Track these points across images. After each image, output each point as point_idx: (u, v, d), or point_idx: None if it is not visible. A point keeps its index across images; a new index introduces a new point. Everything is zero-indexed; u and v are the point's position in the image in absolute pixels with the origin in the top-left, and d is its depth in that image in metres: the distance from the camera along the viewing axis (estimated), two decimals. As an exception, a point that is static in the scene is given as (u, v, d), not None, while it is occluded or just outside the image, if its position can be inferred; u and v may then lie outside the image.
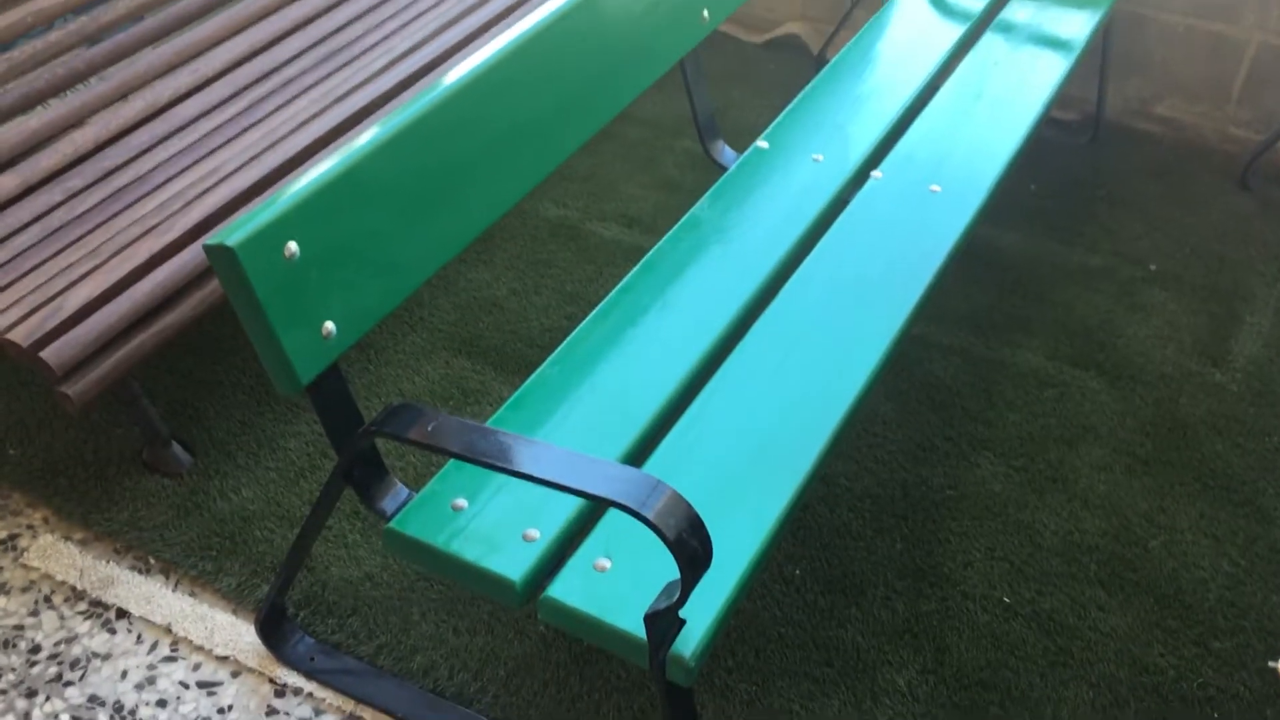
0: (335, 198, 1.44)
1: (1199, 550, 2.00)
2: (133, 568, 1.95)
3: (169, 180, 2.11)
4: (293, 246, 1.38)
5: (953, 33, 2.55)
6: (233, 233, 1.32)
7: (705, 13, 2.13)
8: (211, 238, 1.32)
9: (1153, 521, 2.05)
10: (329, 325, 1.43)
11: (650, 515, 1.21)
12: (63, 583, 1.93)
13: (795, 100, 2.32)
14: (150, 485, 2.08)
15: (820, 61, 3.28)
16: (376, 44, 2.50)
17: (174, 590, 1.92)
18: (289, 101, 2.32)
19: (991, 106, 2.33)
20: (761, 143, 2.20)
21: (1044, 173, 2.90)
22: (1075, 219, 2.75)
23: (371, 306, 1.51)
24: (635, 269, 1.91)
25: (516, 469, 1.28)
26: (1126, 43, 2.97)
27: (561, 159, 1.87)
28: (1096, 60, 2.99)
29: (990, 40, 2.56)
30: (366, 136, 1.51)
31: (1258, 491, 2.11)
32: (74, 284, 1.86)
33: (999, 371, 2.34)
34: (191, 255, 1.94)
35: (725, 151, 2.28)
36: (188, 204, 2.02)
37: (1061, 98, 3.09)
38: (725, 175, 2.13)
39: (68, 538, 2.00)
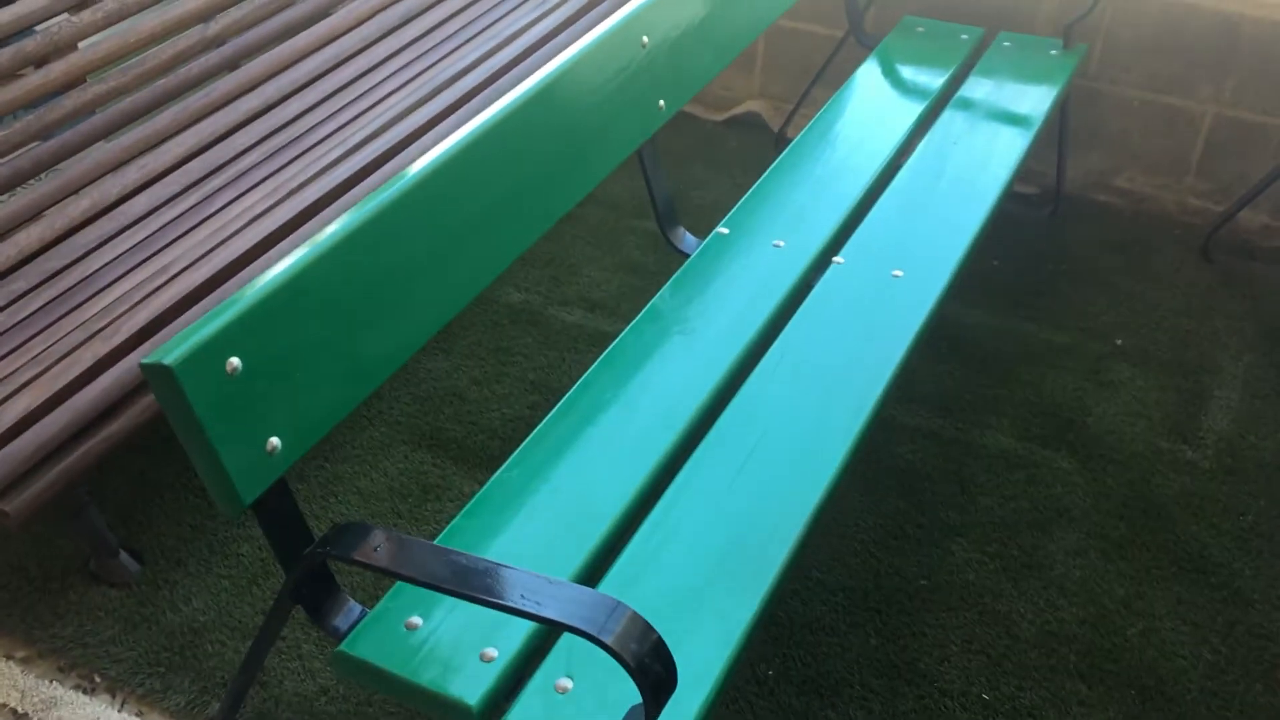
0: (280, 308, 1.39)
1: (1178, 638, 1.96)
2: (77, 687, 1.87)
3: (116, 280, 2.05)
4: (235, 361, 1.32)
5: (912, 111, 2.55)
6: (171, 350, 1.27)
7: (661, 102, 2.11)
8: (149, 356, 1.27)
9: (1130, 608, 2.01)
10: (274, 441, 1.37)
11: (609, 641, 1.15)
12: (3, 705, 1.84)
13: (755, 185, 2.30)
14: (97, 597, 2.00)
15: (780, 139, 3.28)
16: (330, 134, 2.47)
17: (120, 710, 1.83)
18: (241, 195, 2.28)
19: (952, 186, 2.32)
20: (722, 229, 2.18)
21: (1006, 247, 2.89)
22: (1040, 294, 2.74)
23: (320, 418, 1.46)
24: (596, 363, 1.87)
25: (468, 593, 1.22)
26: (1084, 116, 2.98)
27: (517, 253, 1.84)
28: (1055, 134, 3.00)
29: (949, 118, 2.56)
30: (312, 243, 1.47)
31: (1234, 574, 2.07)
32: (14, 394, 1.80)
33: (969, 454, 2.31)
34: (138, 359, 1.88)
35: (686, 238, 2.26)
36: (134, 305, 1.97)
37: (1022, 171, 3.10)
38: (686, 263, 2.10)
39: (9, 656, 1.92)
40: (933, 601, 2.01)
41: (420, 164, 1.64)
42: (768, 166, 3.28)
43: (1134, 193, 3.02)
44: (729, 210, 3.02)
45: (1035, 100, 2.60)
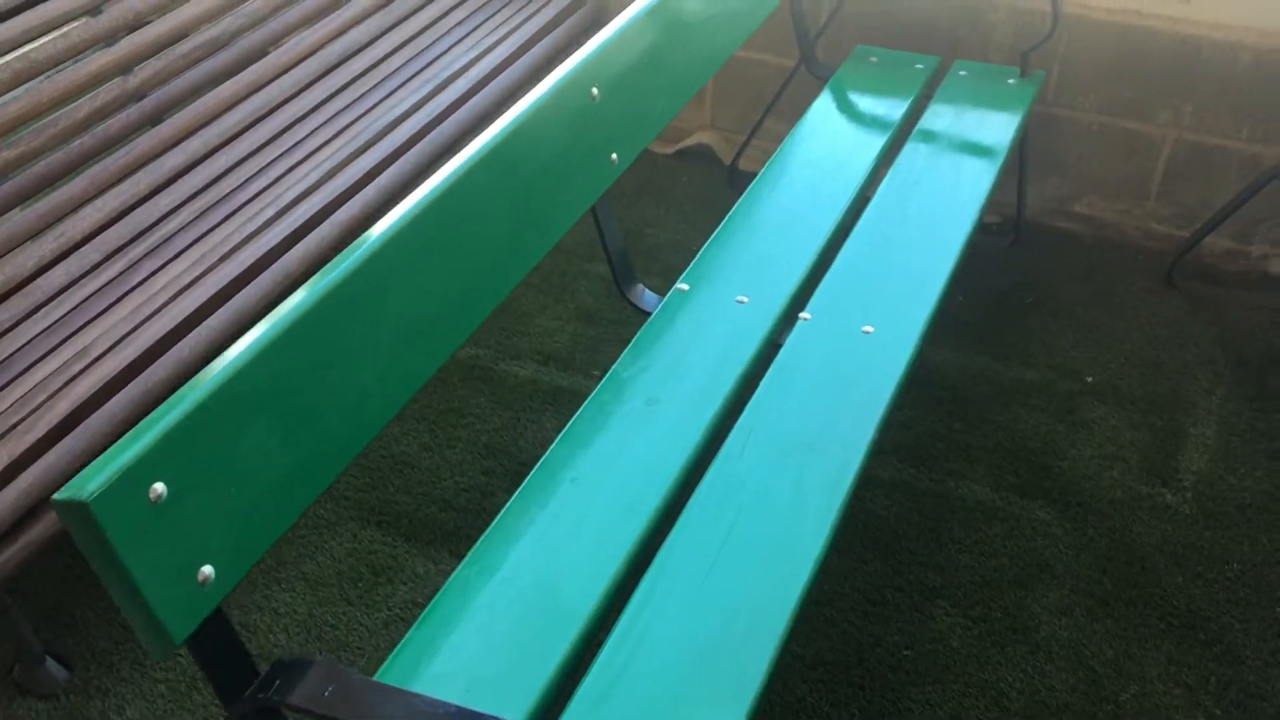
0: (210, 420, 1.26)
1: (1172, 702, 1.88)
2: (2, 814, 1.72)
3: (32, 366, 1.90)
4: (159, 488, 1.19)
5: (871, 146, 2.47)
6: (86, 483, 1.14)
7: (614, 155, 2.00)
8: (61, 491, 1.14)
9: (1121, 671, 1.93)
10: (206, 570, 1.24)
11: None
12: (-80, 840, 1.70)
13: (714, 233, 2.19)
14: (21, 710, 1.85)
15: (733, 172, 3.18)
16: (262, 191, 2.33)
17: (50, 840, 1.69)
18: (167, 263, 2.14)
19: (919, 228, 2.23)
20: (682, 285, 2.07)
21: (970, 281, 2.81)
22: (1006, 330, 2.67)
23: (259, 536, 1.33)
24: (556, 441, 1.76)
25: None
26: (1042, 142, 2.92)
27: (474, 325, 1.72)
28: (1013, 161, 2.93)
29: (911, 152, 2.47)
30: (246, 341, 1.34)
31: (1224, 628, 2.00)
32: (-80, 502, 1.64)
33: (944, 507, 2.22)
34: (59, 456, 1.74)
35: (645, 295, 2.15)
36: (53, 395, 1.82)
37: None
38: (645, 324, 1.99)
39: (-74, 782, 1.77)
40: (917, 674, 1.92)
41: (366, 239, 1.52)
42: (720, 202, 3.20)
43: (1095, 219, 2.96)
44: (684, 250, 2.93)
45: (997, 131, 2.53)
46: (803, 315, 2.01)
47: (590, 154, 1.96)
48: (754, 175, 3.19)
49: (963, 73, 2.71)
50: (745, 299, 2.04)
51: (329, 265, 1.47)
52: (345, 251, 1.49)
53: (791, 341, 1.96)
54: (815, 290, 2.07)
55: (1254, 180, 2.63)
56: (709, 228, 3.00)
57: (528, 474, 1.66)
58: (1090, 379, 2.53)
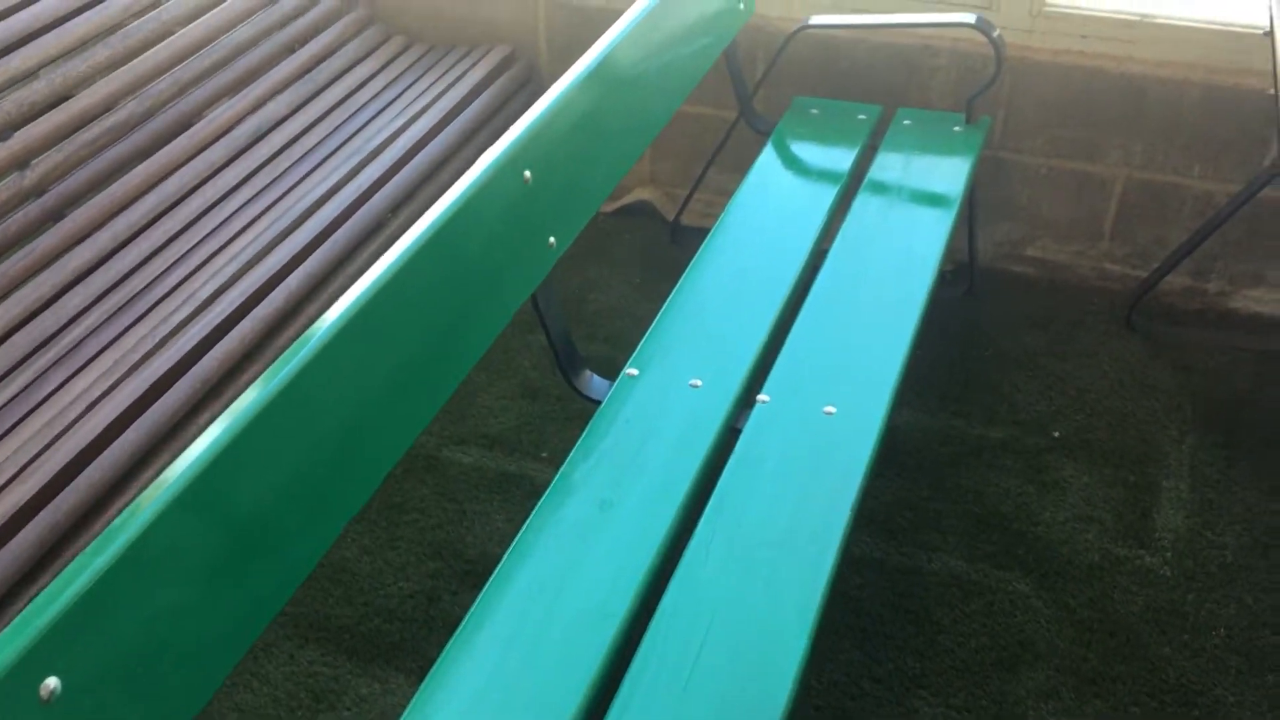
0: (112, 593, 1.12)
1: (1172, 789, 1.79)
2: None
3: (-74, 502, 1.74)
4: (52, 683, 1.05)
5: (820, 203, 2.37)
6: (-37, 689, 0.99)
7: (552, 239, 1.88)
8: (-66, 701, 0.99)
9: (1115, 757, 1.83)
10: (114, 767, 1.10)
11: None
12: None
13: (662, 309, 2.08)
14: None
15: (676, 228, 3.08)
16: (178, 285, 2.18)
17: None
18: (76, 374, 1.98)
19: (876, 290, 2.13)
20: (631, 370, 1.95)
21: (926, 334, 2.73)
22: (967, 385, 2.58)
23: (176, 711, 1.19)
24: (506, 555, 1.62)
25: None
26: (991, 187, 2.84)
27: (415, 433, 1.59)
28: (963, 207, 2.85)
29: (861, 208, 2.38)
30: (152, 494, 1.20)
31: (1216, 701, 1.91)
32: None
33: (918, 584, 2.12)
34: (-45, 607, 1.58)
35: (593, 382, 2.03)
36: (-52, 537, 1.66)
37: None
38: (595, 416, 1.87)
39: None
40: (903, 774, 1.81)
41: (289, 359, 1.39)
42: (664, 260, 3.09)
43: (1048, 261, 2.89)
44: (628, 315, 2.81)
45: (947, 180, 2.44)
46: (760, 398, 1.90)
47: (528, 239, 1.84)
48: (698, 230, 3.10)
49: (907, 121, 2.63)
50: (699, 382, 1.92)
51: (256, 385, 1.34)
52: (268, 373, 1.37)
53: (750, 428, 1.85)
54: (773, 367, 1.96)
55: (1210, 218, 2.57)
56: (653, 290, 2.89)
57: (476, 574, 1.54)
58: (1057, 434, 2.44)
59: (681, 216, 3.06)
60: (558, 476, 1.76)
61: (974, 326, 2.76)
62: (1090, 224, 2.80)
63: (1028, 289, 2.87)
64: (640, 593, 1.58)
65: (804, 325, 2.06)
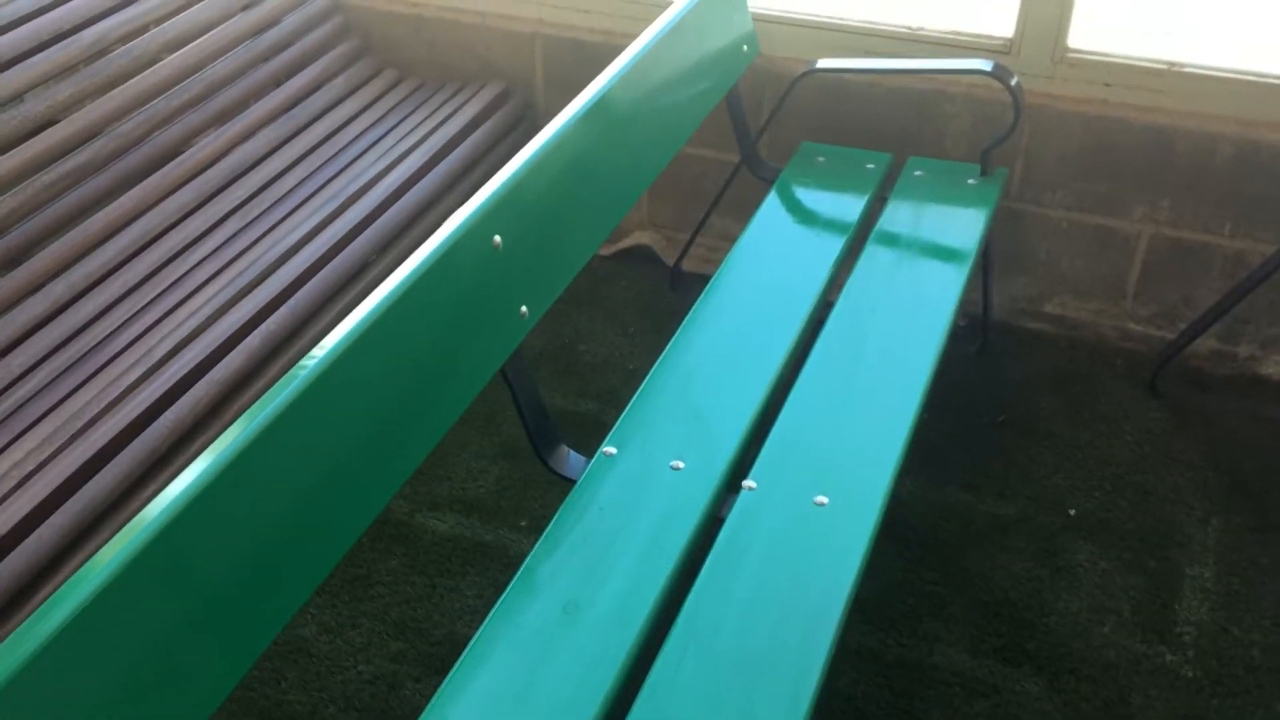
0: (45, 673, 0.99)
1: None
2: None
3: None
4: None
5: (827, 253, 2.23)
6: None
7: (524, 308, 1.74)
8: None
9: None
10: None
11: None
12: None
13: (646, 379, 1.93)
14: None
15: (676, 274, 2.93)
16: (131, 344, 2.05)
17: None
18: (13, 442, 1.85)
19: (880, 357, 1.97)
20: (609, 448, 1.81)
21: (936, 396, 2.57)
22: (977, 455, 2.42)
23: None
24: (459, 662, 1.48)
25: None
26: (1006, 239, 2.68)
27: (365, 524, 1.45)
28: (977, 260, 2.70)
29: (870, 261, 2.23)
30: (94, 568, 1.08)
31: (1243, 826, 1.75)
32: None
33: (919, 680, 1.96)
34: None
35: (570, 459, 1.88)
36: None
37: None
38: (566, 501, 1.72)
39: None
40: None
41: (246, 423, 1.27)
42: (663, 308, 2.94)
43: (1068, 319, 2.72)
44: (621, 370, 2.66)
45: (959, 237, 2.29)
46: (747, 484, 1.75)
47: (497, 308, 1.70)
48: (699, 277, 2.96)
49: (918, 172, 2.48)
50: (680, 464, 1.78)
51: (207, 454, 1.22)
52: (221, 439, 1.26)
53: (734, 518, 1.70)
54: (761, 449, 1.81)
55: (1243, 280, 2.40)
56: (650, 341, 2.74)
57: (441, 657, 1.40)
58: (1073, 511, 2.28)
59: (682, 262, 2.92)
60: (522, 570, 1.61)
61: (987, 388, 2.60)
62: (1113, 281, 2.64)
63: (1045, 347, 2.71)
64: (601, 715, 1.44)
65: (799, 399, 1.91)
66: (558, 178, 1.84)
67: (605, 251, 3.03)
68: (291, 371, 1.39)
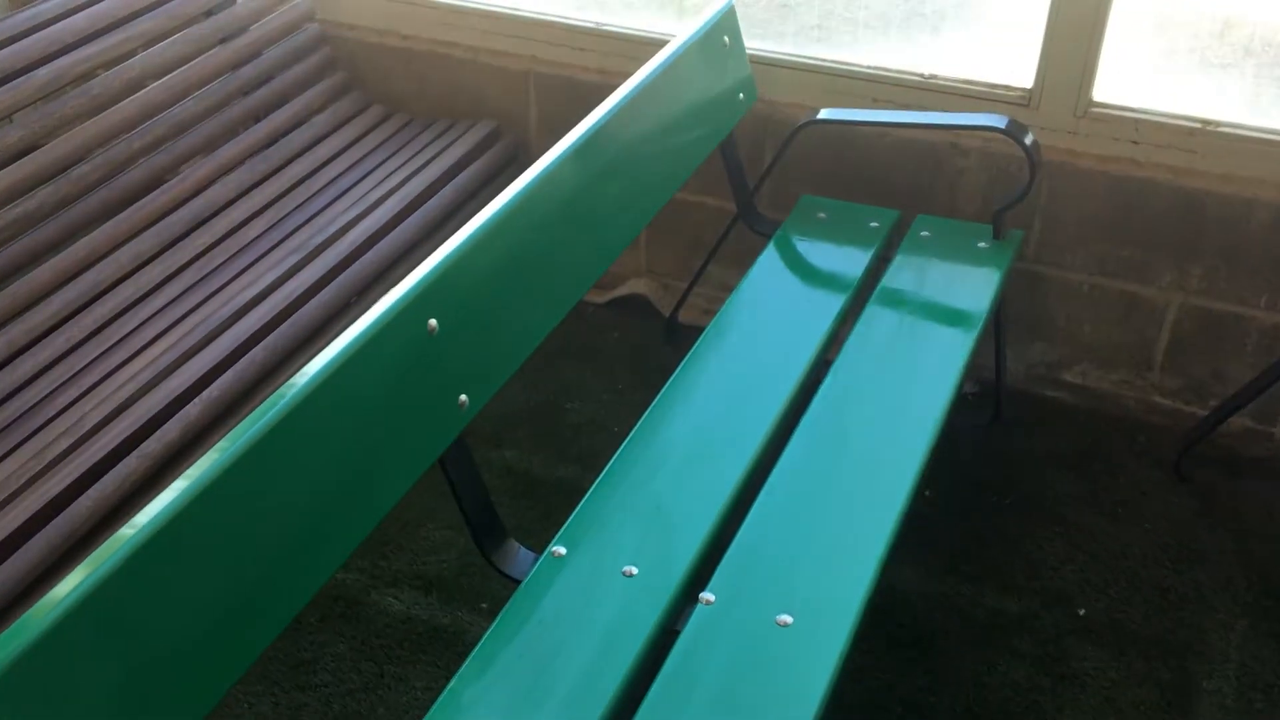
0: None
1: None
2: None
3: None
4: None
5: (823, 317, 2.08)
6: None
7: (463, 398, 1.58)
8: None
9: None
10: None
11: None
12: None
13: (606, 469, 1.77)
14: None
15: (672, 325, 2.77)
16: (66, 408, 1.92)
17: None
18: (-75, 518, 1.73)
19: (866, 446, 1.80)
20: (557, 549, 1.65)
21: (940, 471, 2.38)
22: (982, 541, 2.23)
23: None
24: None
25: None
26: (1023, 301, 2.49)
27: (285, 621, 1.32)
28: (985, 329, 2.51)
29: (869, 325, 2.06)
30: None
31: None
32: None
33: (899, 805, 1.78)
34: None
35: (519, 556, 1.72)
36: None
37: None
38: (506, 607, 1.57)
39: None
40: None
41: (170, 502, 1.17)
42: (658, 363, 2.75)
43: (1088, 389, 2.53)
44: (607, 432, 2.50)
45: (967, 305, 2.11)
46: (705, 597, 1.58)
47: (431, 399, 1.55)
48: (695, 329, 2.76)
49: (925, 233, 2.30)
50: (633, 570, 1.61)
51: (127, 529, 1.10)
52: (142, 514, 1.16)
53: (689, 635, 1.53)
54: (724, 555, 1.65)
55: None
56: (641, 399, 2.57)
57: None
58: (1083, 611, 2.09)
59: (678, 314, 2.75)
60: (446, 692, 1.46)
61: (996, 463, 2.41)
62: (1138, 351, 2.44)
63: (1063, 419, 2.51)
64: None
65: (771, 495, 1.74)
66: (505, 254, 1.68)
67: (599, 299, 2.87)
68: (197, 464, 1.26)
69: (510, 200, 1.70)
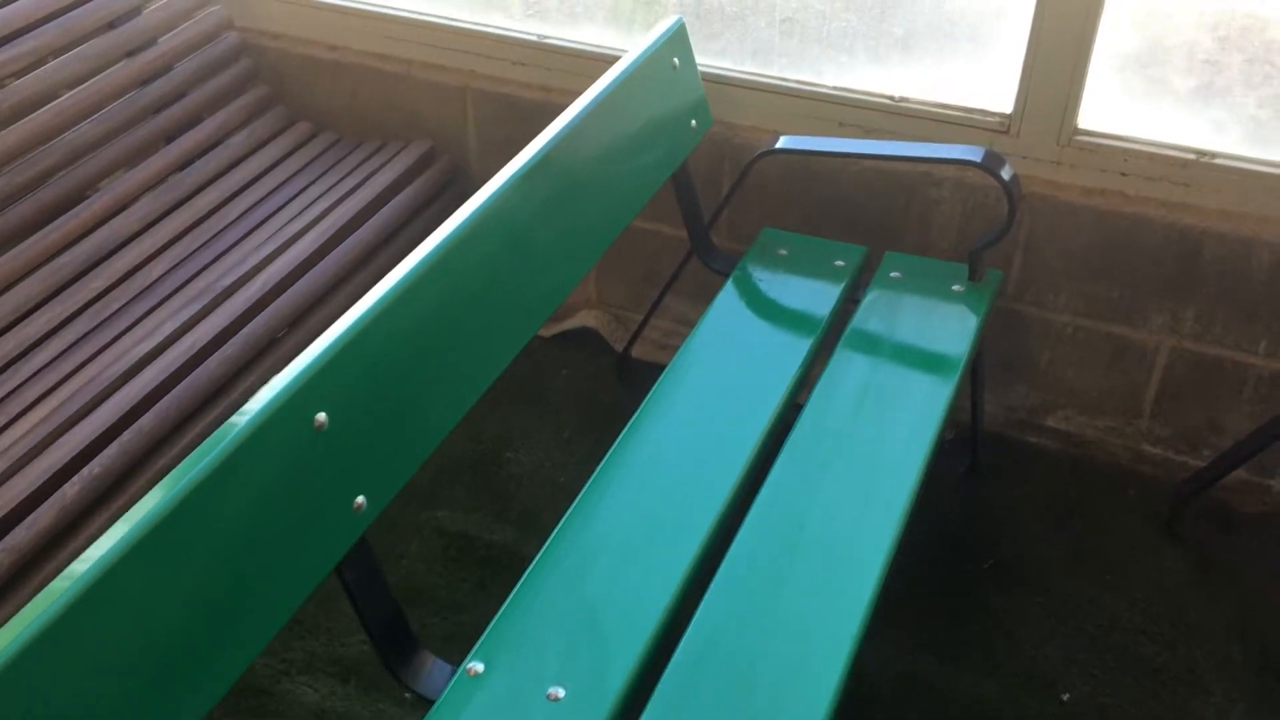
0: None
1: None
2: None
3: None
4: None
5: (785, 367, 1.88)
6: None
7: (360, 499, 1.37)
8: None
9: None
10: None
11: None
12: None
13: (535, 563, 1.56)
14: None
15: (624, 362, 2.56)
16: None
17: None
18: None
19: (829, 530, 1.61)
20: (473, 665, 1.44)
21: (912, 530, 2.18)
22: (958, 614, 2.04)
23: None
24: None
25: None
26: (1001, 342, 2.30)
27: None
28: (963, 378, 2.31)
29: (834, 379, 1.86)
30: None
31: None
32: None
33: None
34: None
35: (433, 670, 1.51)
36: None
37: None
38: (412, 739, 1.37)
39: None
40: None
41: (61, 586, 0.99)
42: (608, 405, 2.54)
43: (1073, 435, 2.34)
44: (552, 486, 2.28)
45: (941, 355, 1.91)
46: (641, 725, 1.39)
47: (322, 500, 1.34)
48: (650, 366, 2.58)
49: (895, 273, 2.09)
50: (559, 693, 1.41)
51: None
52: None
53: (620, 775, 1.34)
54: (664, 673, 1.45)
55: None
56: (590, 447, 2.38)
57: None
58: (1066, 696, 1.90)
59: (632, 349, 2.54)
60: None
61: (974, 520, 2.22)
62: (1127, 397, 2.25)
63: (1045, 468, 2.32)
64: None
65: (721, 592, 1.53)
66: (415, 325, 1.47)
67: (546, 333, 2.66)
68: (57, 580, 1.06)
69: (425, 258, 1.49)
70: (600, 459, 1.68)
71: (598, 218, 1.88)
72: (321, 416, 1.31)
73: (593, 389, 2.53)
